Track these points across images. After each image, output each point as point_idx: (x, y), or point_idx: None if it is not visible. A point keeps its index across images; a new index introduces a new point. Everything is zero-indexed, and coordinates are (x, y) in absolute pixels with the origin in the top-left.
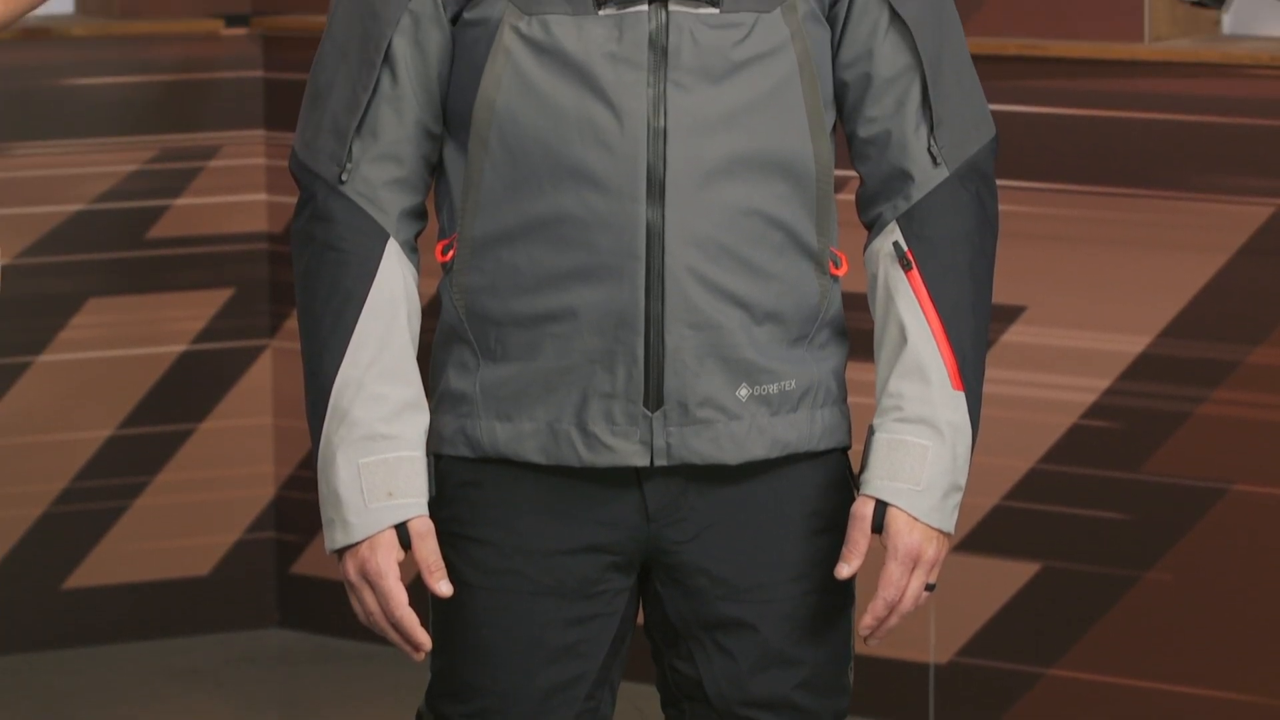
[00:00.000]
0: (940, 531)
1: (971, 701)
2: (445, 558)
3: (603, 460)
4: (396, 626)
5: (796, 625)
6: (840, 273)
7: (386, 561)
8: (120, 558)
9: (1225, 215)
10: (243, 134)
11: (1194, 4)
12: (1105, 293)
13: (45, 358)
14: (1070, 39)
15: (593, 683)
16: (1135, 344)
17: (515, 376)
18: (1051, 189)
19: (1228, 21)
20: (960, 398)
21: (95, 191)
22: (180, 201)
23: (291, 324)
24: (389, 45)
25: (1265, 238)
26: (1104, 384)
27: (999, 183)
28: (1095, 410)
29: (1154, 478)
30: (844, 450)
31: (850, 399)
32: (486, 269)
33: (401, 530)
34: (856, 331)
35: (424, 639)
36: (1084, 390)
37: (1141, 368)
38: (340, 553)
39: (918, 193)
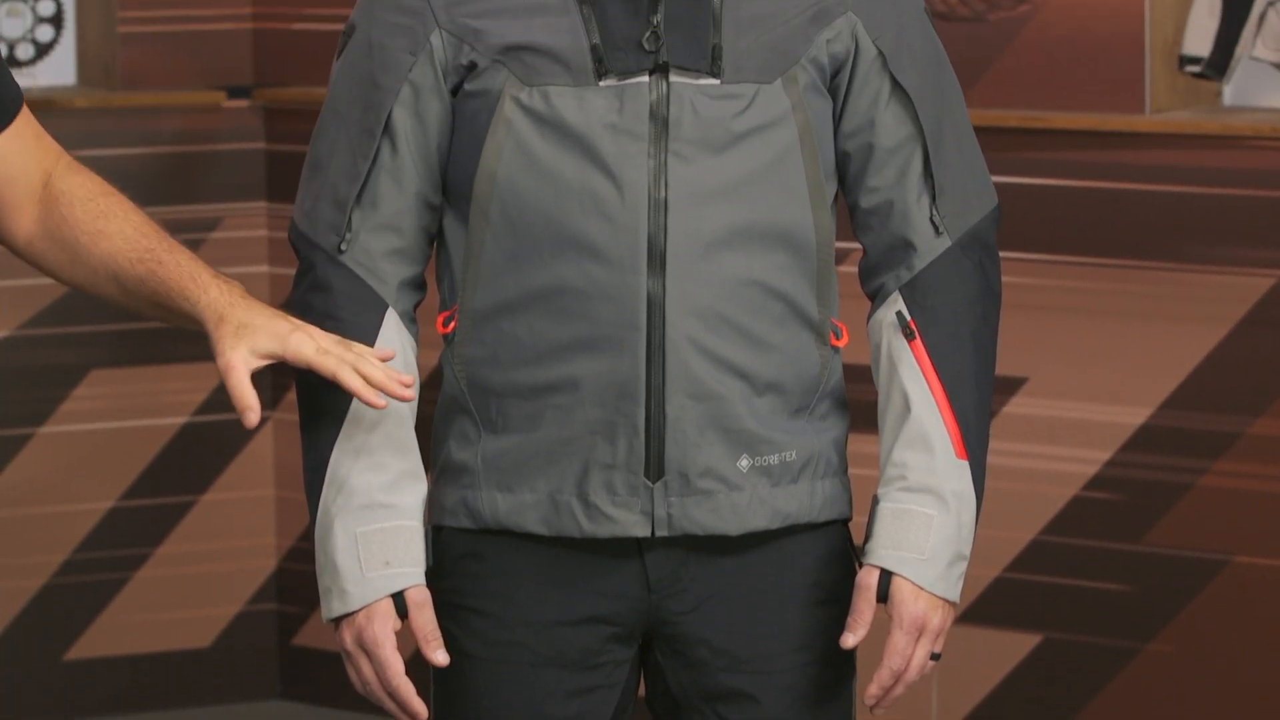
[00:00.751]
0: (945, 600)
1: None
2: (446, 629)
3: (604, 531)
4: (393, 695)
5: (798, 696)
6: (841, 344)
7: (383, 630)
8: (121, 629)
9: (1226, 286)
10: (245, 205)
11: (1195, 75)
12: (1107, 364)
13: (47, 429)
14: (1071, 111)
15: None
16: (1137, 415)
17: (516, 447)
18: (1053, 260)
19: (1228, 93)
20: (964, 467)
21: None
22: None
23: (293, 396)
24: (389, 116)
25: (1266, 309)
26: (1105, 455)
27: (1000, 254)
28: (1097, 482)
29: (1155, 549)
30: (844, 522)
31: (851, 470)
32: (488, 340)
33: (398, 599)
34: (857, 403)
35: (420, 708)
36: (1085, 462)
37: (1143, 439)
38: (337, 621)
39: (920, 262)
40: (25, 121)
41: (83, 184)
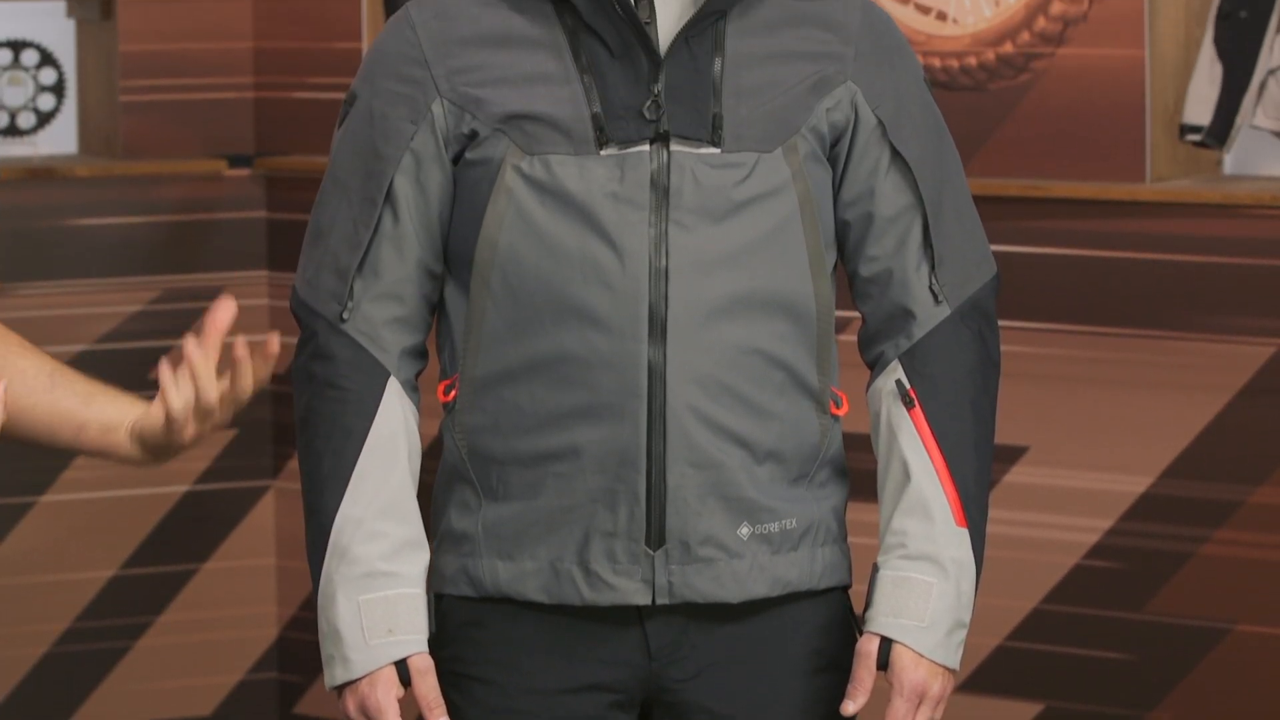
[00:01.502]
0: (945, 668)
1: None
2: (449, 697)
3: (605, 599)
4: None
5: None
6: (840, 412)
7: (386, 698)
8: (123, 698)
9: (1227, 355)
10: (246, 274)
11: (1195, 144)
12: (1107, 433)
13: (48, 498)
14: (1072, 180)
15: None
16: (1137, 484)
17: (517, 515)
18: (1054, 329)
19: (1229, 162)
20: (964, 534)
21: (98, 332)
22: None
23: (294, 465)
24: (390, 184)
25: (1266, 377)
26: (1106, 524)
27: (1002, 323)
28: (1098, 550)
29: (1157, 618)
30: (844, 589)
31: (850, 539)
32: (489, 409)
33: (401, 667)
34: (856, 471)
35: None
36: (1086, 530)
37: (1144, 508)
38: (340, 689)
39: (919, 330)
40: None
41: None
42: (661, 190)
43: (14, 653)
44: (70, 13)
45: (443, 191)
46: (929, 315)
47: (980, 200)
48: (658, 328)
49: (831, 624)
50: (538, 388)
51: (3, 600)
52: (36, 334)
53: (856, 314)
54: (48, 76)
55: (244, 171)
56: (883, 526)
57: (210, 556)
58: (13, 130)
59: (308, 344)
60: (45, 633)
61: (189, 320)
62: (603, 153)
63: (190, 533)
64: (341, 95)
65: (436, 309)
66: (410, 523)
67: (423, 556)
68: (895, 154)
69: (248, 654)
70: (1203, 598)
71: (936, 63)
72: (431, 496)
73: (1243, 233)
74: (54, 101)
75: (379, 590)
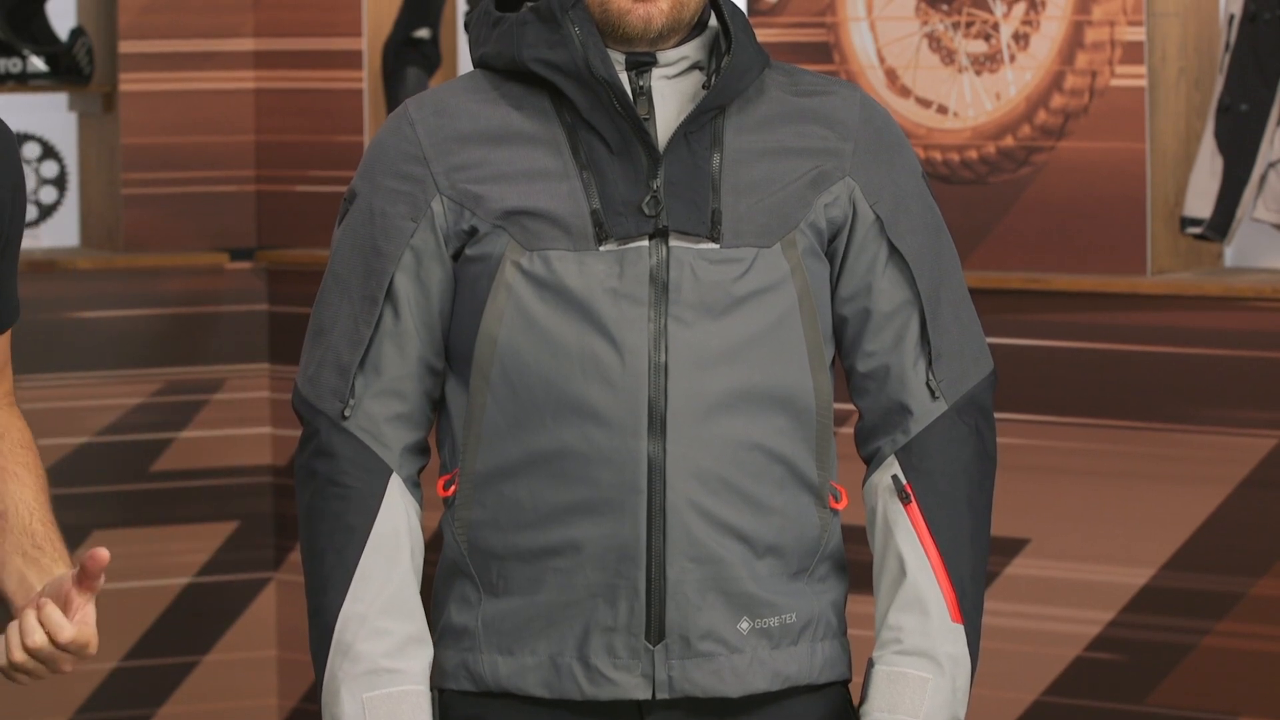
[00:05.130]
0: None
1: None
2: None
3: (605, 693)
4: None
5: None
6: (840, 506)
7: None
8: None
9: (1228, 447)
10: (247, 367)
11: (1196, 237)
12: (1109, 525)
13: None
14: (1073, 272)
15: None
16: (1139, 576)
17: (517, 610)
18: (1055, 422)
19: (1230, 254)
20: (959, 630)
21: (100, 424)
22: (185, 434)
23: (296, 557)
24: (391, 282)
25: (1268, 470)
26: (1108, 616)
27: (1003, 416)
28: (1099, 643)
29: (1159, 710)
30: (844, 683)
31: (850, 631)
32: (488, 504)
33: None
34: (855, 564)
35: None
36: (1088, 623)
37: (1145, 600)
38: None
39: (916, 426)
40: (2, 344)
41: (18, 426)
42: (661, 286)
43: None
44: (72, 106)
45: (443, 288)
46: (926, 411)
47: (981, 293)
48: (657, 423)
49: (831, 718)
50: (538, 483)
51: (4, 693)
52: (38, 427)
53: (854, 408)
54: (49, 169)
55: (245, 264)
56: (878, 621)
57: (211, 649)
58: None
59: (310, 441)
60: None
61: (190, 413)
62: (602, 249)
63: (191, 625)
64: (343, 189)
65: (437, 405)
66: (413, 619)
67: (426, 653)
68: (893, 250)
69: None
70: (1205, 690)
71: (937, 156)
72: (432, 590)
73: (1244, 325)
74: (56, 194)
75: (383, 687)
